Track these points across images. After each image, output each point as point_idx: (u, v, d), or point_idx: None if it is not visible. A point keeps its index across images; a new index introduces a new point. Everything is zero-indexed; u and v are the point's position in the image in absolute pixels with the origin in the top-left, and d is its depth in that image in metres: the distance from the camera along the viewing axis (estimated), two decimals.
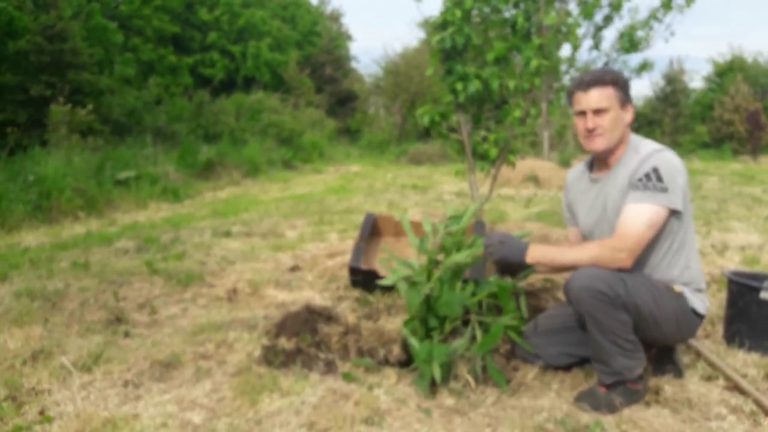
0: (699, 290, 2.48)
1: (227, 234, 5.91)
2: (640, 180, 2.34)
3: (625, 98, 2.49)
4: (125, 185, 8.91)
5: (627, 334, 2.33)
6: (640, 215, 2.31)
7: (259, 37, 21.78)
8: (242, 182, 11.77)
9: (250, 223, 6.61)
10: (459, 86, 4.84)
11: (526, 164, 11.54)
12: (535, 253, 2.44)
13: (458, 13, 4.72)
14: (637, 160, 2.40)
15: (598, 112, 2.48)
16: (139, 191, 8.83)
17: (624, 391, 2.37)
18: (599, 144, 2.49)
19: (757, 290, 2.93)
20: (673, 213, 2.37)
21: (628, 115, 2.50)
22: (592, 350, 2.43)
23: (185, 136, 14.14)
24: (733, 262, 4.77)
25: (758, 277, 3.14)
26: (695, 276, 2.47)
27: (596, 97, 2.47)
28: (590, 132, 2.49)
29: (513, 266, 2.55)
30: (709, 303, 2.56)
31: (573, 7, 14.45)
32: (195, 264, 4.63)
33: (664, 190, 2.30)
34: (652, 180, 2.31)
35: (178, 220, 7.04)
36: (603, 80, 2.47)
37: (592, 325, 2.34)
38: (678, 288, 2.42)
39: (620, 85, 2.48)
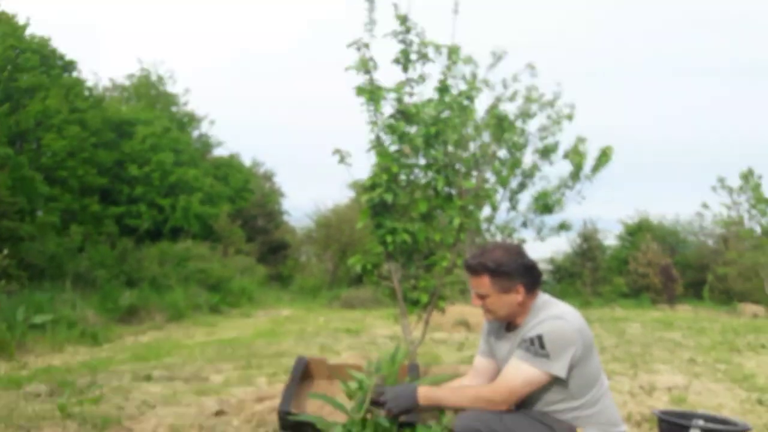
0: None
1: (148, 378, 5.59)
2: (524, 341, 2.44)
3: (508, 283, 2.50)
4: (41, 329, 8.43)
5: None
6: (517, 373, 2.42)
7: (190, 192, 21.76)
8: (165, 326, 11.31)
9: (172, 367, 6.29)
10: (389, 238, 5.03)
11: (457, 309, 11.66)
12: (426, 399, 2.53)
13: (385, 176, 5.03)
14: (532, 324, 2.48)
15: (478, 295, 2.59)
16: (55, 335, 8.37)
17: None
18: (488, 318, 2.65)
19: (687, 428, 2.99)
20: (557, 378, 2.41)
21: (515, 296, 2.52)
22: None
23: (107, 282, 13.69)
24: (661, 402, 4.85)
25: (686, 416, 3.21)
26: (608, 420, 2.50)
27: (474, 283, 2.59)
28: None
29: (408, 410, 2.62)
30: None
31: (490, 175, 15.73)
32: (112, 408, 4.31)
33: (546, 356, 2.38)
34: (535, 345, 2.40)
35: (96, 363, 6.63)
36: (477, 270, 2.55)
37: None
38: (581, 430, 2.45)
39: (500, 272, 2.50)
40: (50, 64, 18.44)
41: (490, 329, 2.76)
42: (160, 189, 21.27)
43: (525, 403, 2.47)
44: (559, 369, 2.36)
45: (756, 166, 23.63)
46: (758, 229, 23.46)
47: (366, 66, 5.30)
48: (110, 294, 11.80)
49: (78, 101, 18.56)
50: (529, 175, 16.23)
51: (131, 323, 10.93)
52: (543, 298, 2.56)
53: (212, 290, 15.92)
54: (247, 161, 29.35)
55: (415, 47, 5.34)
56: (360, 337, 9.23)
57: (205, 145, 28.20)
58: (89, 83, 21.44)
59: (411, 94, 5.37)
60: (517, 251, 2.56)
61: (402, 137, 5.20)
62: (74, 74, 19.75)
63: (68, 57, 19.31)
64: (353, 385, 2.97)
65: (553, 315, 2.44)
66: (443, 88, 5.38)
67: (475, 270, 2.54)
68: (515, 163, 15.83)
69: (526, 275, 2.52)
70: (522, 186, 16.47)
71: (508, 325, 2.65)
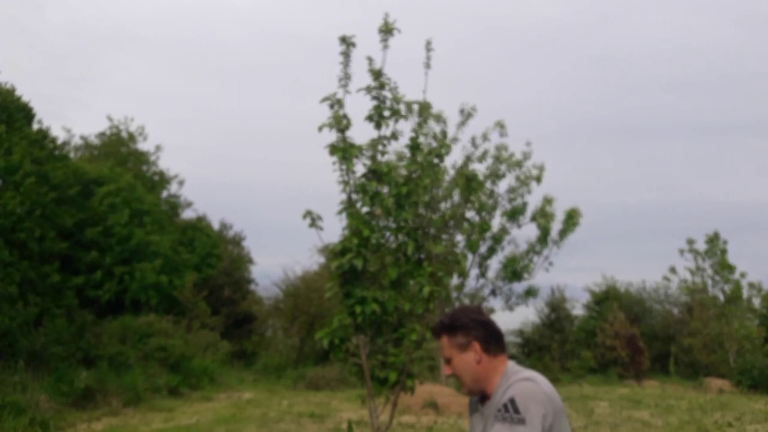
0: None
1: None
2: (499, 411, 2.38)
3: (463, 339, 2.51)
4: None
5: None
6: None
7: (152, 259, 21.11)
8: (122, 412, 10.84)
9: None
10: (358, 309, 4.96)
11: (425, 390, 11.42)
12: None
13: (356, 240, 5.01)
14: (503, 390, 2.44)
15: (446, 360, 2.58)
16: (0, 424, 7.89)
17: None
18: (463, 390, 2.59)
19: None
20: None
21: (472, 355, 2.51)
22: None
23: (62, 361, 13.11)
24: None
25: None
26: None
27: (439, 347, 2.59)
28: None
29: None
30: None
31: (459, 239, 15.73)
32: None
33: (522, 421, 2.31)
34: (510, 411, 2.34)
35: None
36: (436, 332, 2.57)
37: None
38: None
39: (454, 327, 2.52)
40: (12, 115, 17.77)
41: (471, 407, 2.71)
42: (121, 254, 20.45)
43: None
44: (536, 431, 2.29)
45: (724, 230, 23.65)
46: (721, 297, 23.60)
47: (339, 123, 5.30)
48: (65, 375, 11.37)
49: (37, 151, 17.56)
50: (498, 239, 16.28)
51: (86, 408, 10.45)
52: (514, 368, 2.53)
53: (173, 370, 15.39)
54: (215, 223, 28.78)
55: (388, 103, 5.40)
56: (325, 423, 8.92)
57: (173, 207, 27.60)
58: (60, 141, 20.93)
59: (383, 153, 5.40)
60: (474, 309, 2.57)
61: (374, 198, 5.19)
62: (37, 126, 18.95)
63: (29, 106, 18.56)
64: None
65: (523, 377, 2.42)
66: (414, 146, 5.42)
67: (435, 331, 2.56)
68: (484, 227, 15.88)
69: (479, 330, 2.50)
70: (491, 251, 16.50)
71: (482, 399, 2.60)
